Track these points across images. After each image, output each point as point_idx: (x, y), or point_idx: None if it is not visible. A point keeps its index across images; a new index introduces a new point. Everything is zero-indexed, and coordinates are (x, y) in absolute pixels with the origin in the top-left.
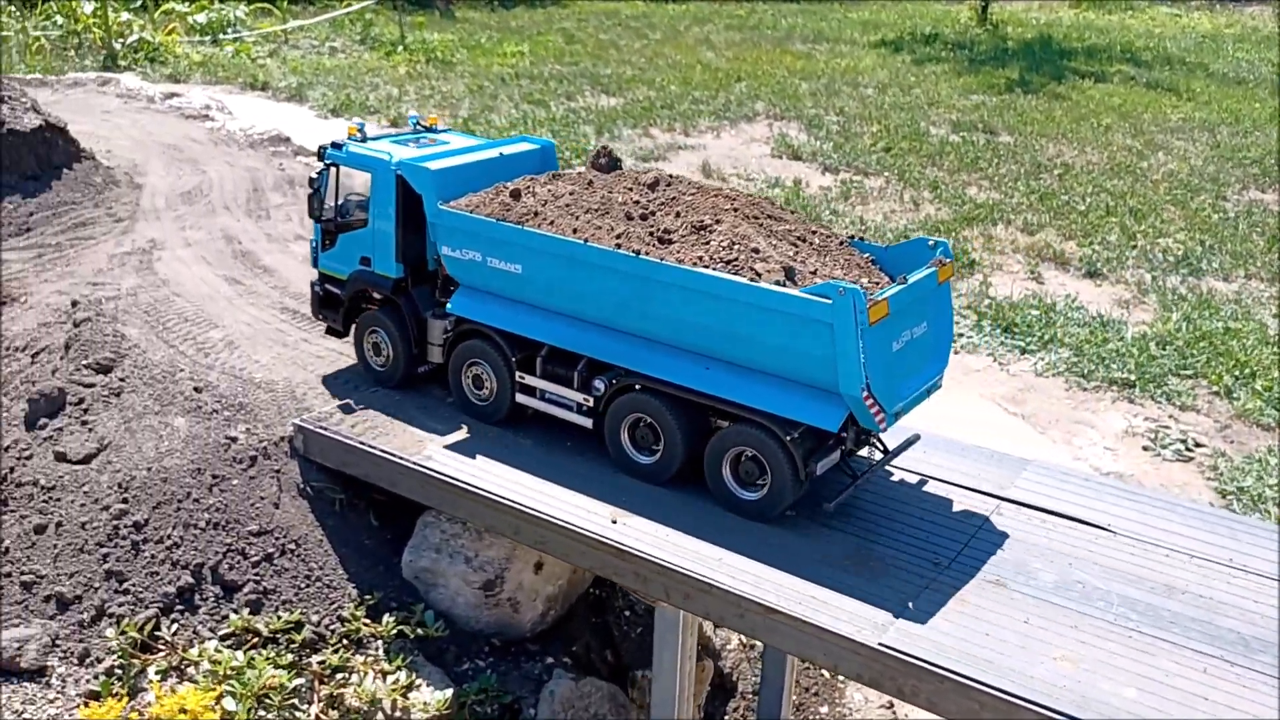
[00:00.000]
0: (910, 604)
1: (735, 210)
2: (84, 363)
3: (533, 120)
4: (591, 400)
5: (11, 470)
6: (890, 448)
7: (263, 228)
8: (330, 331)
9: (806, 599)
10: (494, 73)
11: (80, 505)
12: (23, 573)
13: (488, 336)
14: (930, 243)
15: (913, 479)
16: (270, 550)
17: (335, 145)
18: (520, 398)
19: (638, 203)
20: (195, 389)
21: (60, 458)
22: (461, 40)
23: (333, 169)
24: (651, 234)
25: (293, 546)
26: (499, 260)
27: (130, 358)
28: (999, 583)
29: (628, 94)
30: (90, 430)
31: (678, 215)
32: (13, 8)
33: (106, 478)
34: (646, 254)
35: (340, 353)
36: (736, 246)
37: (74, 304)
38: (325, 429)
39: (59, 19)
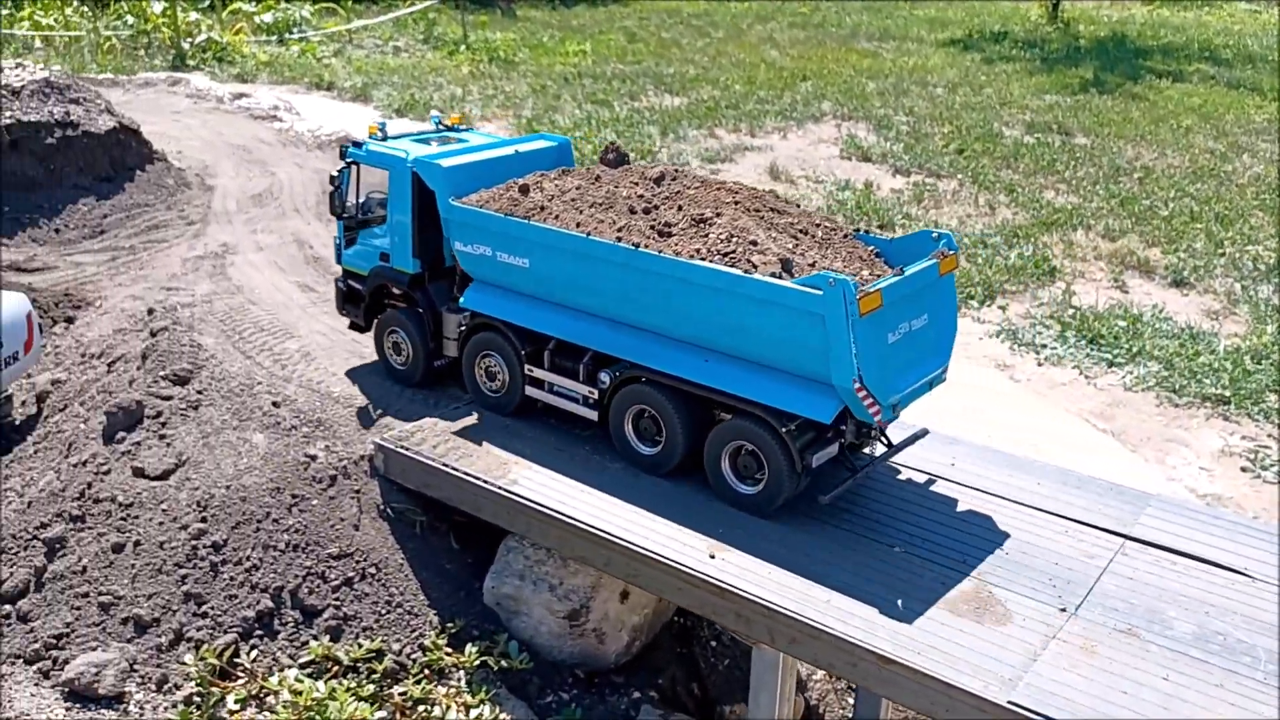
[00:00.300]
0: (1038, 655)
1: (736, 203)
2: (161, 374)
3: (597, 120)
4: (596, 393)
5: (89, 486)
6: (894, 442)
7: (333, 231)
8: (353, 327)
9: (925, 648)
10: (556, 72)
11: (158, 524)
12: (100, 593)
13: (499, 330)
14: (934, 234)
15: (1028, 513)
16: (350, 574)
17: (356, 144)
18: (529, 390)
19: (642, 197)
20: (274, 403)
21: (138, 473)
22: (523, 39)
23: (353, 167)
24: (653, 227)
25: (373, 571)
26: (508, 255)
27: (207, 369)
28: (1131, 633)
29: (691, 94)
30: (168, 445)
31: (679, 209)
32: (85, 8)
33: (185, 495)
34: (646, 247)
35: None
36: (735, 239)
37: (150, 311)
38: (406, 449)
39: (129, 19)
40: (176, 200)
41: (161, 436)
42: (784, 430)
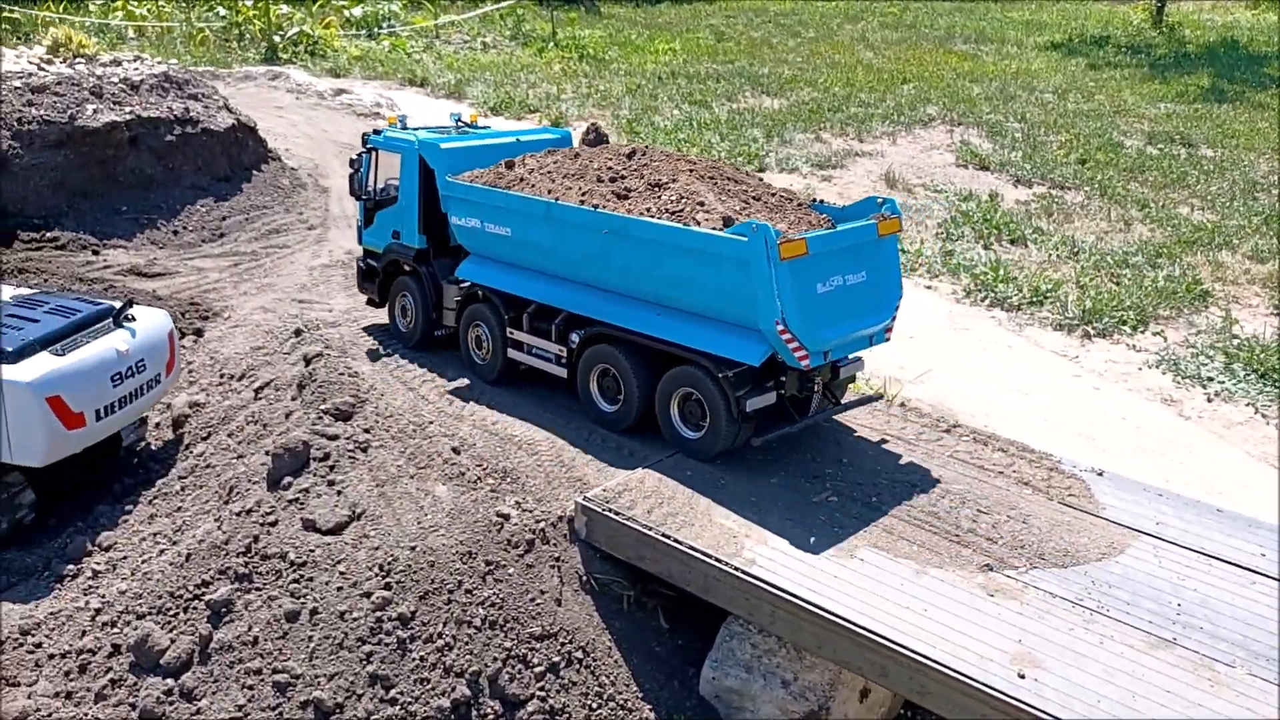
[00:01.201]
0: None
1: (692, 171)
2: (323, 408)
3: (697, 123)
4: (566, 352)
5: (255, 540)
6: (843, 400)
7: None
8: (370, 303)
9: None
10: (649, 71)
11: (337, 589)
12: (275, 670)
13: (487, 299)
14: (879, 200)
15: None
16: (555, 658)
17: (375, 132)
18: (511, 353)
19: (610, 168)
20: (453, 449)
21: (309, 526)
22: (611, 37)
23: (372, 153)
24: (614, 192)
25: (580, 654)
26: (493, 225)
27: (370, 403)
28: None
29: (790, 95)
30: (340, 494)
31: (642, 177)
32: None
33: (364, 555)
34: (603, 208)
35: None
36: (684, 200)
37: (297, 333)
38: (616, 513)
39: (221, 10)
40: (294, 202)
41: (330, 483)
42: (722, 376)
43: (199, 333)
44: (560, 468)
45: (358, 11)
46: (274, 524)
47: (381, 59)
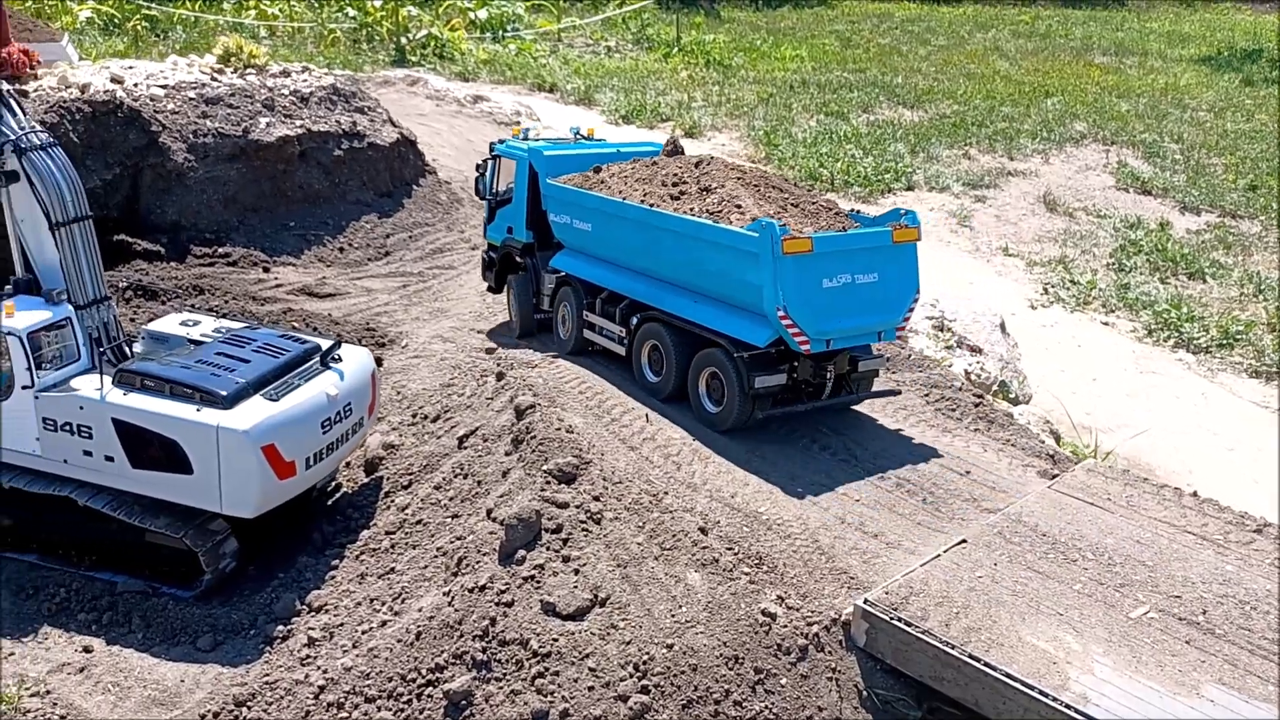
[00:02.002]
0: None
1: (740, 180)
2: (544, 469)
3: (836, 135)
4: (626, 333)
5: (493, 622)
6: (857, 392)
7: None
8: (490, 289)
9: None
10: (778, 79)
11: (587, 688)
12: None
13: (572, 285)
14: (901, 211)
15: None
16: None
17: (500, 141)
18: (585, 333)
19: (675, 175)
20: (700, 529)
21: (548, 610)
22: (735, 42)
23: (496, 159)
24: (670, 195)
25: None
26: (578, 221)
27: (594, 465)
28: None
29: (928, 107)
30: (577, 573)
31: (698, 183)
32: None
33: (614, 650)
34: (657, 207)
35: (862, 484)
36: (725, 202)
37: (499, 376)
38: (907, 624)
39: (351, 11)
40: (454, 220)
41: (566, 559)
42: (737, 356)
43: (378, 361)
44: (819, 555)
45: (483, 14)
46: (510, 604)
47: (509, 63)
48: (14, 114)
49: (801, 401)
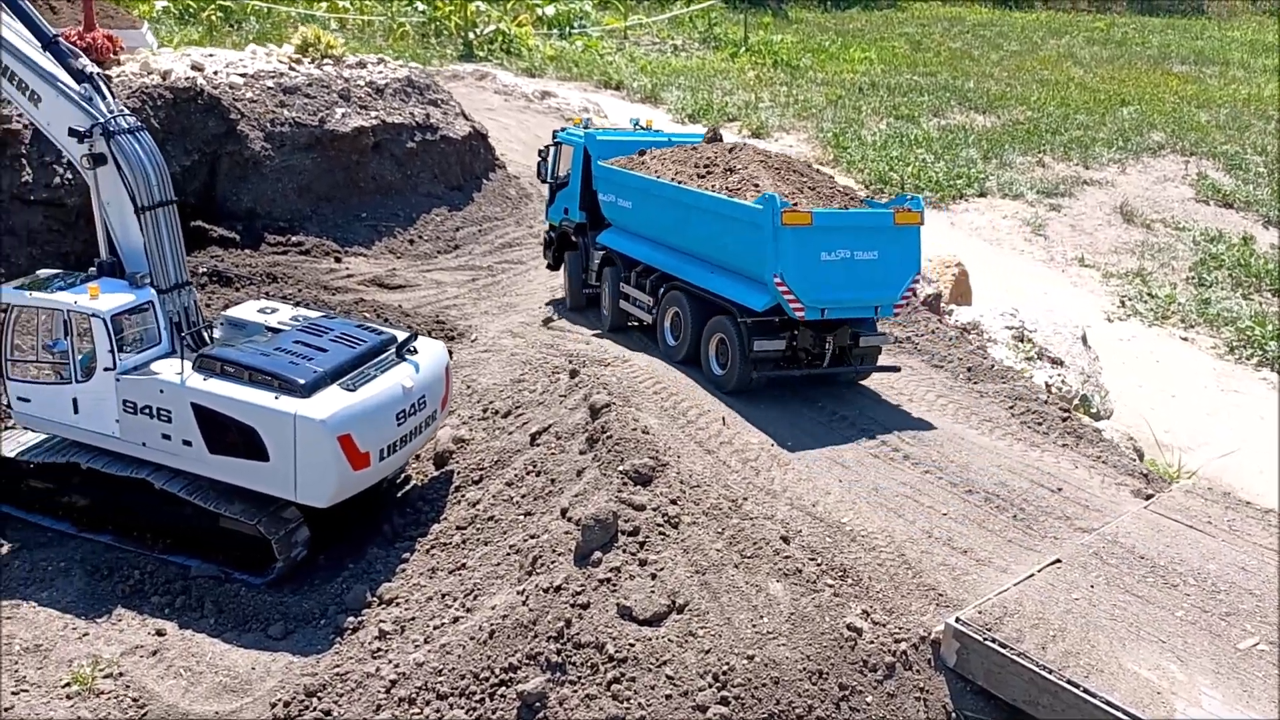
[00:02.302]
0: None
1: (764, 163)
2: (620, 469)
3: (906, 139)
4: (653, 303)
5: (568, 624)
6: (861, 366)
7: None
8: (549, 267)
9: None
10: (847, 80)
11: (665, 696)
12: None
13: (615, 260)
14: (908, 196)
15: None
16: None
17: (561, 129)
18: (622, 304)
19: (708, 158)
20: (782, 538)
21: (625, 614)
22: (803, 43)
23: (558, 146)
24: (697, 174)
25: None
26: (621, 199)
27: (671, 467)
28: None
29: (1001, 112)
30: (654, 578)
31: (726, 165)
32: None
33: (693, 658)
34: (684, 185)
35: (952, 498)
36: (744, 181)
37: (573, 374)
38: (1001, 646)
39: (420, 5)
40: (522, 215)
41: (642, 563)
42: (740, 321)
43: (448, 354)
44: (905, 570)
45: (550, 10)
46: (586, 607)
47: (575, 60)
48: (104, 98)
49: (799, 368)
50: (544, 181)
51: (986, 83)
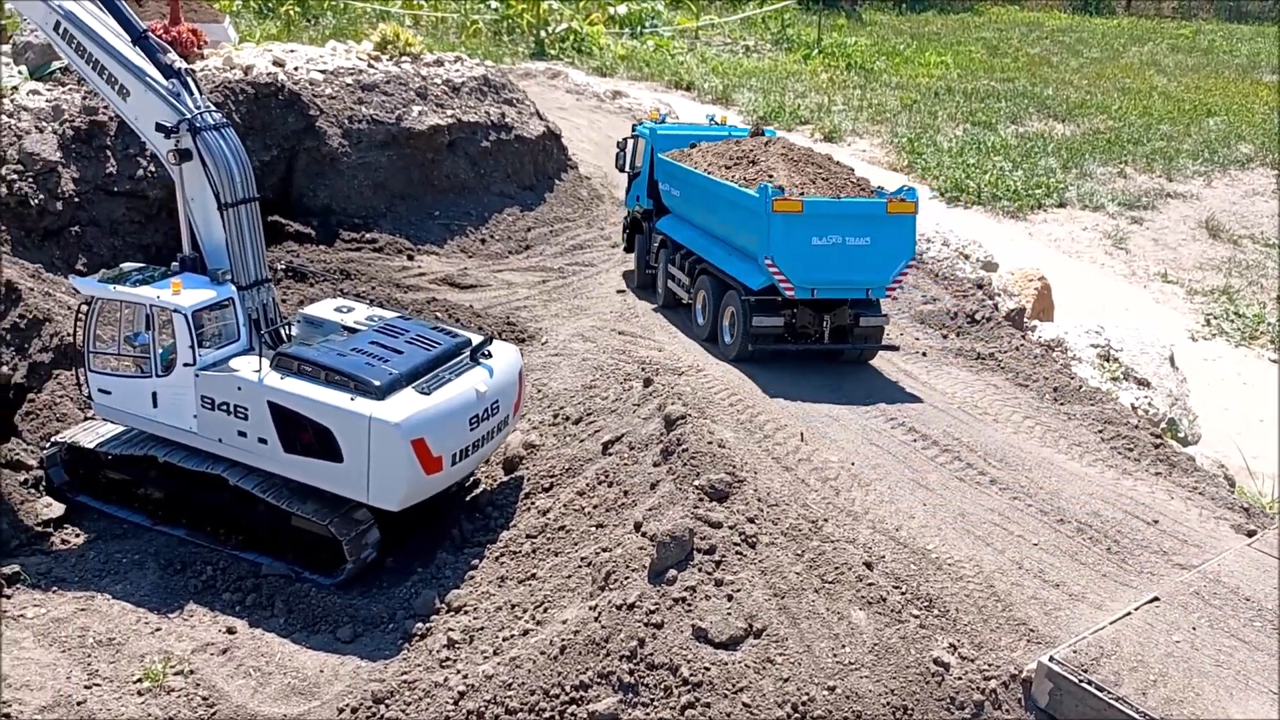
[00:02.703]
0: None
1: (784, 156)
2: (696, 484)
3: (983, 146)
4: (689, 282)
5: (641, 644)
6: (864, 345)
7: None
8: (626, 249)
9: None
10: (922, 85)
11: None
12: None
13: (666, 244)
14: (905, 188)
15: None
16: None
17: (639, 122)
18: (669, 284)
19: (743, 151)
20: (865, 564)
21: (700, 636)
22: (877, 46)
23: (635, 139)
24: (725, 166)
25: None
26: (673, 188)
27: (748, 483)
28: None
29: (1080, 121)
30: (731, 599)
31: (751, 157)
32: None
33: (771, 686)
34: (711, 175)
35: (1045, 526)
36: (761, 172)
37: (647, 383)
38: (1098, 689)
39: (494, 3)
40: (594, 216)
41: (719, 582)
42: (743, 299)
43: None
44: (994, 602)
45: (622, 9)
46: (660, 626)
47: (646, 59)
48: (191, 93)
49: (795, 344)
50: (621, 171)
51: (1066, 90)
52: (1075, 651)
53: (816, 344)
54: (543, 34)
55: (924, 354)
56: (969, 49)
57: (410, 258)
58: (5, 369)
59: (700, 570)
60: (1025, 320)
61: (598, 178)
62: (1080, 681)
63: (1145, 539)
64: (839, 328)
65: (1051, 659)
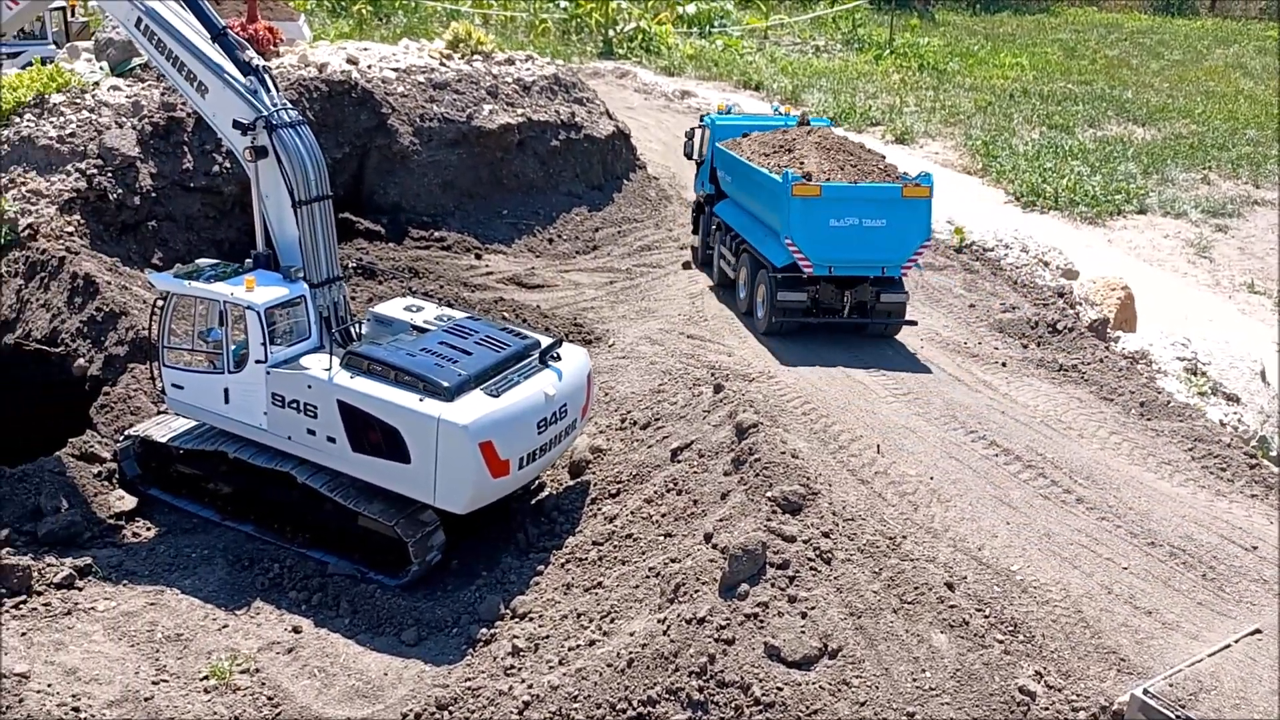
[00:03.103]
0: None
1: (818, 144)
2: (768, 495)
3: (1060, 150)
4: (734, 261)
5: (711, 660)
6: (887, 320)
7: None
8: (692, 231)
9: None
10: (996, 87)
11: None
12: None
13: (720, 226)
14: (921, 174)
15: None
16: None
17: (706, 114)
18: (719, 263)
19: (786, 140)
20: (946, 584)
21: (773, 654)
22: (951, 46)
23: (702, 129)
24: (764, 154)
25: None
26: (726, 174)
27: (822, 496)
28: None
29: (1161, 125)
30: (805, 617)
31: (789, 145)
32: None
33: (846, 709)
34: (750, 161)
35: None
36: (794, 159)
37: (717, 389)
38: None
39: (563, 2)
40: (662, 217)
41: (792, 599)
42: (771, 275)
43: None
44: (1083, 628)
45: (691, 9)
46: (731, 643)
47: (715, 59)
48: (268, 91)
49: (817, 317)
50: (689, 159)
51: (1146, 93)
52: (1171, 684)
53: (839, 319)
54: (610, 33)
55: (1004, 364)
56: (1045, 50)
57: (478, 256)
58: (82, 361)
59: (773, 585)
60: (1108, 331)
61: (666, 178)
62: (1177, 717)
63: (1243, 565)
64: (860, 303)
65: (1145, 691)
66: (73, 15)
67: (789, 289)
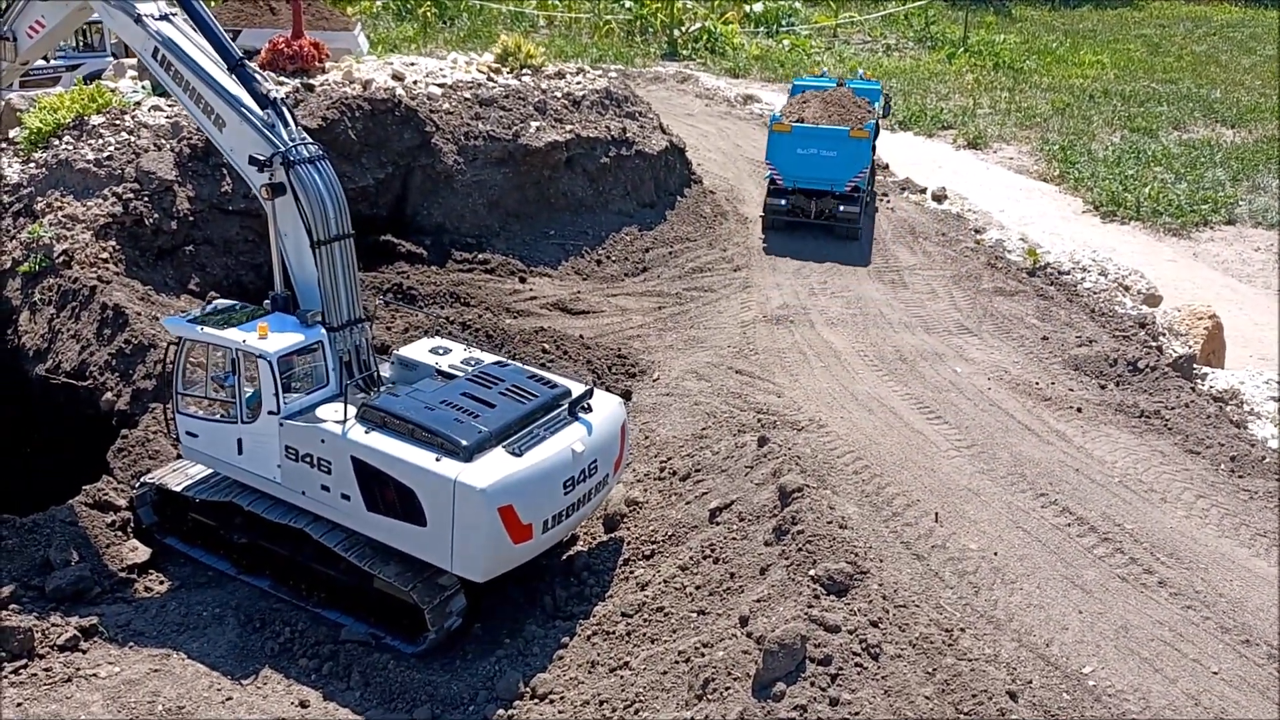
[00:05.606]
0: None
1: (826, 99)
2: (811, 574)
3: (1143, 155)
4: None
5: None
6: (845, 225)
7: (904, 300)
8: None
9: None
10: (1075, 86)
11: None
12: None
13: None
14: (866, 121)
15: None
16: None
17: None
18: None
19: (818, 95)
20: (1009, 693)
21: None
22: (1028, 44)
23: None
24: (796, 112)
25: None
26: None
27: (871, 575)
28: None
29: (1253, 127)
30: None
31: (807, 100)
32: None
33: None
34: (780, 112)
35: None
36: (803, 106)
37: (761, 442)
38: None
39: (628, 2)
40: (716, 236)
41: (834, 702)
42: (768, 184)
43: (627, 395)
44: None
45: (758, 7)
46: None
47: (781, 59)
48: (286, 124)
49: (794, 217)
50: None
51: (1236, 92)
52: None
53: (809, 219)
54: (676, 34)
55: (1079, 409)
56: (1128, 47)
57: (522, 279)
58: (110, 395)
59: (813, 685)
60: (1194, 368)
61: (723, 191)
62: None
63: None
64: (822, 210)
65: None
66: None
67: (774, 196)
